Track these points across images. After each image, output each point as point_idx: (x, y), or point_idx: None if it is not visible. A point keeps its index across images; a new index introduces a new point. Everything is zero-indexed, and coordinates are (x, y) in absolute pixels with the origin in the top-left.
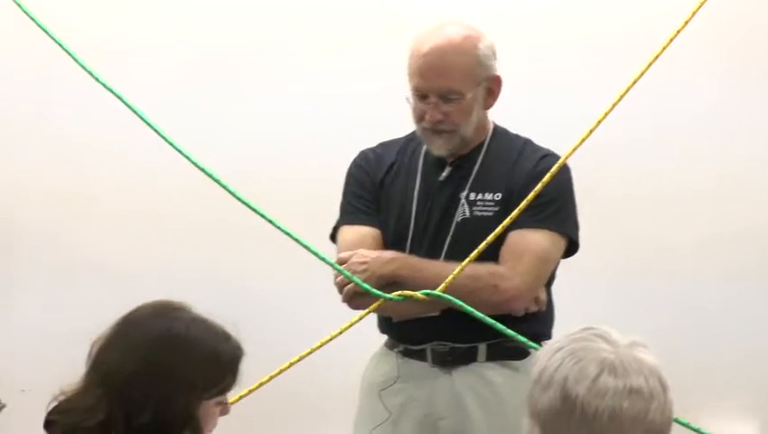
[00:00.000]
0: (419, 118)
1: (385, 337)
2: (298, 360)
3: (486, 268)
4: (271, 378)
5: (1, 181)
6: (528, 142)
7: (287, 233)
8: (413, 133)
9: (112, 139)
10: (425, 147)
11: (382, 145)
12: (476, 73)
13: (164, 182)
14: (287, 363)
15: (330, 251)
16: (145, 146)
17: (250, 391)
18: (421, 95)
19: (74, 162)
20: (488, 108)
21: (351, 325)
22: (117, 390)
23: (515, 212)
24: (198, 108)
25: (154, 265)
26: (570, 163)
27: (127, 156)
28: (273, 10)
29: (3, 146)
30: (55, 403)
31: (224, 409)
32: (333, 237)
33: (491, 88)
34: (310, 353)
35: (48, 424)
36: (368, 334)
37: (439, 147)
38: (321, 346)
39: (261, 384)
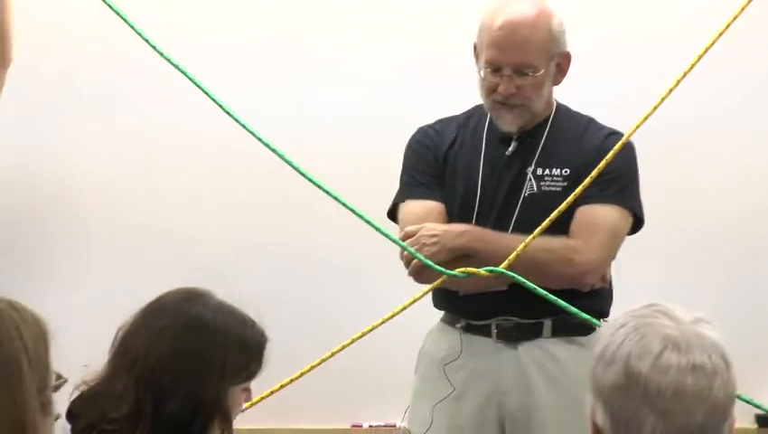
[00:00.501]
0: (490, 91)
1: (441, 313)
2: (361, 336)
3: (560, 242)
4: (333, 354)
5: (73, 157)
6: (592, 120)
7: (351, 209)
8: (473, 109)
9: (182, 117)
10: (488, 122)
11: (440, 121)
12: (549, 48)
13: (231, 158)
14: (349, 340)
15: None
16: (214, 124)
17: (312, 368)
18: (494, 68)
19: (146, 139)
20: (557, 83)
21: (414, 301)
22: (145, 377)
23: (579, 189)
24: (264, 86)
25: (220, 243)
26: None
27: (196, 133)
28: None
29: (76, 121)
30: (77, 393)
31: (248, 395)
32: (392, 214)
33: (562, 64)
34: (372, 329)
35: (71, 415)
36: (424, 309)
37: (510, 123)
38: (384, 322)
39: (323, 360)
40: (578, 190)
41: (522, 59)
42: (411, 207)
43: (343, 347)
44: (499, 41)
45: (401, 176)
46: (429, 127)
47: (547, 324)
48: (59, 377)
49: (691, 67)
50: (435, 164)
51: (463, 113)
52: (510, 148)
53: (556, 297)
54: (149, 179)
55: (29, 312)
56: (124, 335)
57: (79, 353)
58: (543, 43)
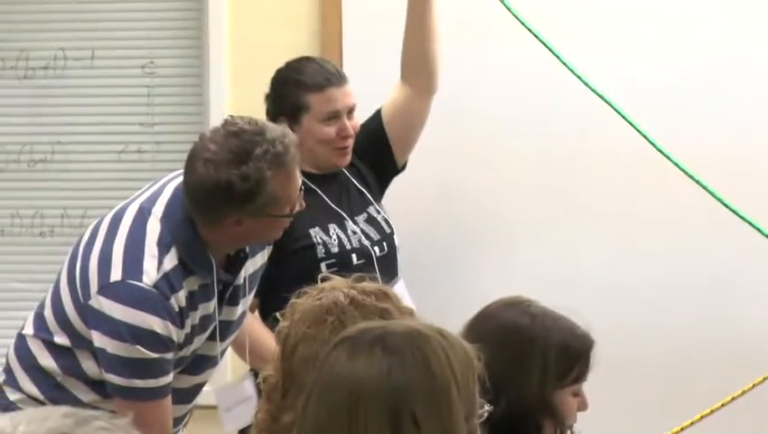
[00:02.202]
0: None
1: None
2: None
3: None
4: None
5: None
6: None
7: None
8: None
9: (594, 138)
10: None
11: None
12: None
13: (647, 180)
14: None
15: None
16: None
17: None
18: None
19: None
20: None
21: None
22: None
23: None
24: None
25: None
26: None
27: (606, 153)
28: None
29: (494, 140)
30: None
31: (582, 403)
32: None
33: None
34: None
35: None
36: None
37: None
38: None
39: (755, 385)
40: None
41: None
42: None
43: None
44: None
45: None
46: None
47: None
48: (482, 405)
49: None
50: None
51: None
52: None
53: None
54: (572, 191)
55: (457, 339)
56: None
57: None
58: None
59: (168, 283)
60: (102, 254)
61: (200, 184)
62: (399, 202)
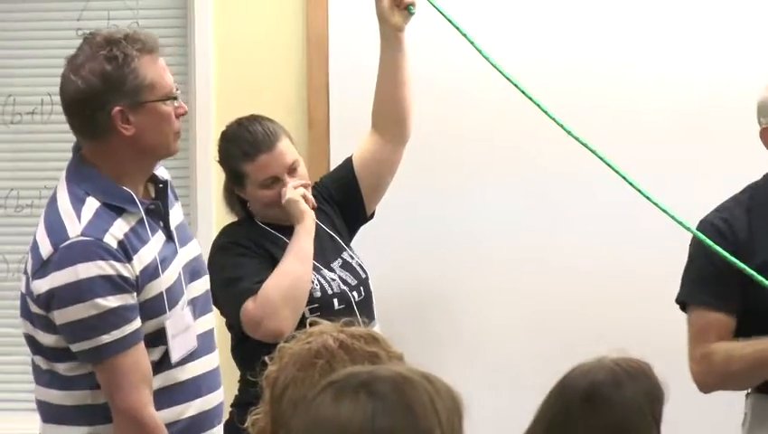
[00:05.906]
0: None
1: None
2: None
3: None
4: None
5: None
6: None
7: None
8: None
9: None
10: None
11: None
12: None
13: (635, 229)
14: None
15: None
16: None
17: None
18: None
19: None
20: None
21: None
22: None
23: None
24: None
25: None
26: None
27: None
28: None
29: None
30: None
31: None
32: None
33: None
34: None
35: None
36: None
37: None
38: None
39: None
40: None
41: None
42: None
43: None
44: None
45: None
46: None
47: None
48: None
49: None
50: None
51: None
52: None
53: None
54: (552, 245)
55: (443, 384)
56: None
57: (487, 427)
58: None
59: (95, 225)
60: (33, 248)
61: (74, 92)
62: (370, 246)
